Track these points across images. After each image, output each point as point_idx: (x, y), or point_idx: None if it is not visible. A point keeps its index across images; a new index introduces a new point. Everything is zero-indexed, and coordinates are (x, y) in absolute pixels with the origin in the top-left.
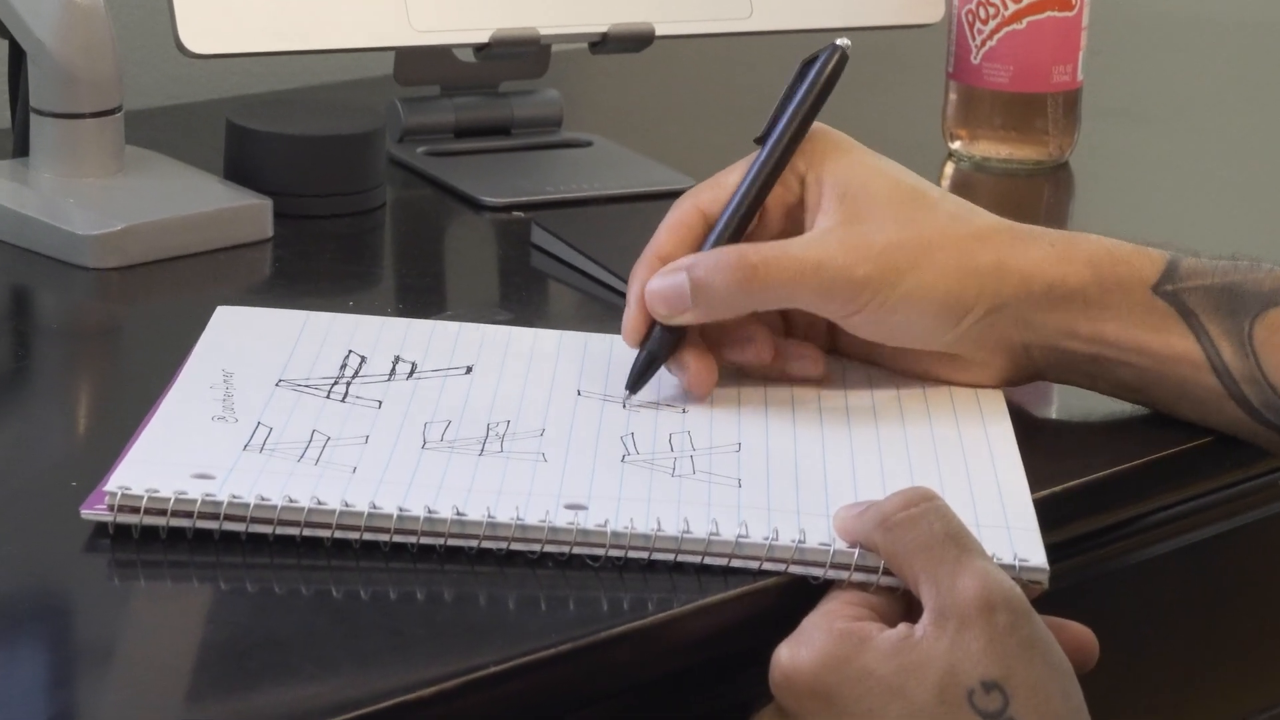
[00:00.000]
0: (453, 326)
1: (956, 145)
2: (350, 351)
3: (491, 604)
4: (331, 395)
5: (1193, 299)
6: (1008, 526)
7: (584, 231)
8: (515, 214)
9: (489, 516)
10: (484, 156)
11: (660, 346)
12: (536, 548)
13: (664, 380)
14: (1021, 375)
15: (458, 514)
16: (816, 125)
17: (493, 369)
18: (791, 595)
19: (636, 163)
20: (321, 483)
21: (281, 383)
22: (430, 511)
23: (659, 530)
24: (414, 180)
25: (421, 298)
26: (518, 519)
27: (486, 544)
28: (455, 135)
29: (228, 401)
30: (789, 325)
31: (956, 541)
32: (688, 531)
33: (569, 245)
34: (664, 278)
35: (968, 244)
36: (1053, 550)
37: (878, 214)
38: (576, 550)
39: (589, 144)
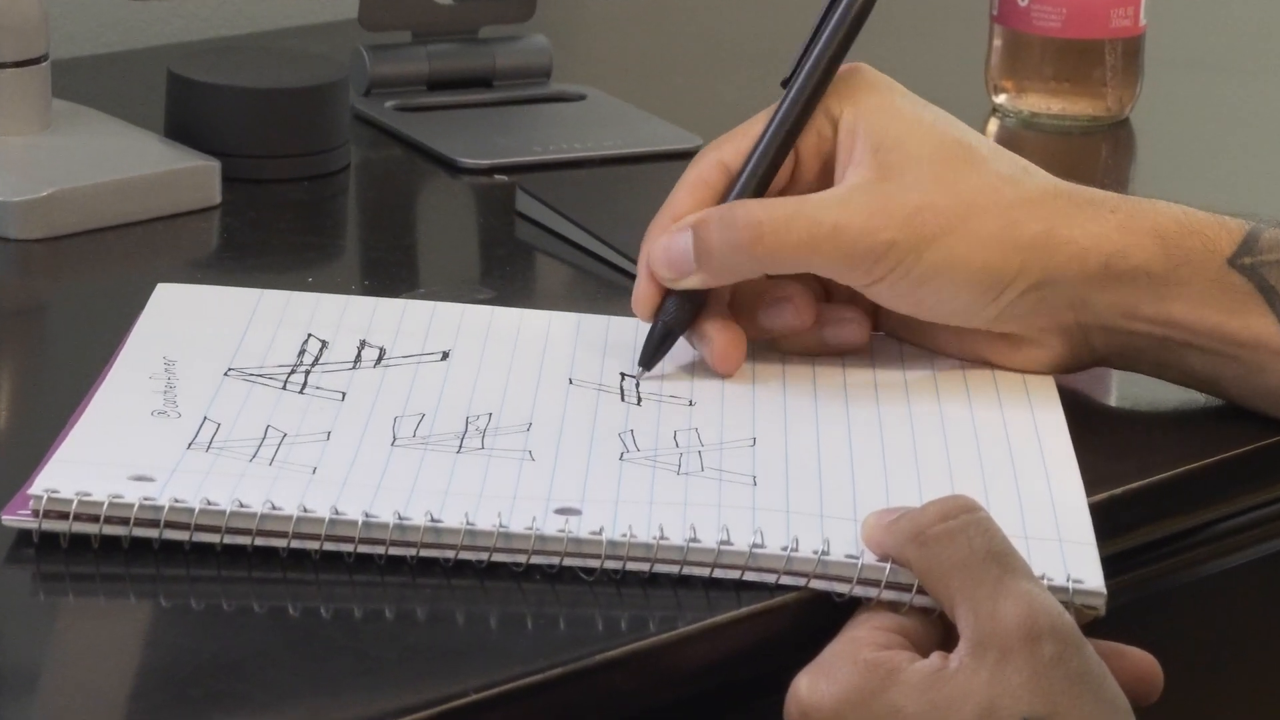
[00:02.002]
0: (427, 306)
1: (1001, 99)
2: (309, 335)
3: (470, 623)
4: (288, 386)
5: (1275, 274)
6: (1059, 539)
7: (576, 197)
8: (497, 177)
9: (468, 523)
10: (462, 112)
11: (676, 316)
12: (522, 559)
13: (669, 369)
14: (1080, 360)
15: (432, 520)
16: (854, 64)
17: (472, 355)
18: (813, 613)
19: (636, 118)
20: (277, 485)
21: (231, 372)
22: (401, 518)
23: (662, 538)
24: (382, 139)
25: (390, 273)
26: (500, 526)
27: (465, 555)
28: (429, 88)
29: (169, 393)
30: (828, 289)
31: (999, 561)
32: (695, 539)
33: (559, 213)
34: (669, 236)
35: (1014, 210)
36: (1110, 563)
37: (913, 171)
38: (568, 562)
39: (582, 97)
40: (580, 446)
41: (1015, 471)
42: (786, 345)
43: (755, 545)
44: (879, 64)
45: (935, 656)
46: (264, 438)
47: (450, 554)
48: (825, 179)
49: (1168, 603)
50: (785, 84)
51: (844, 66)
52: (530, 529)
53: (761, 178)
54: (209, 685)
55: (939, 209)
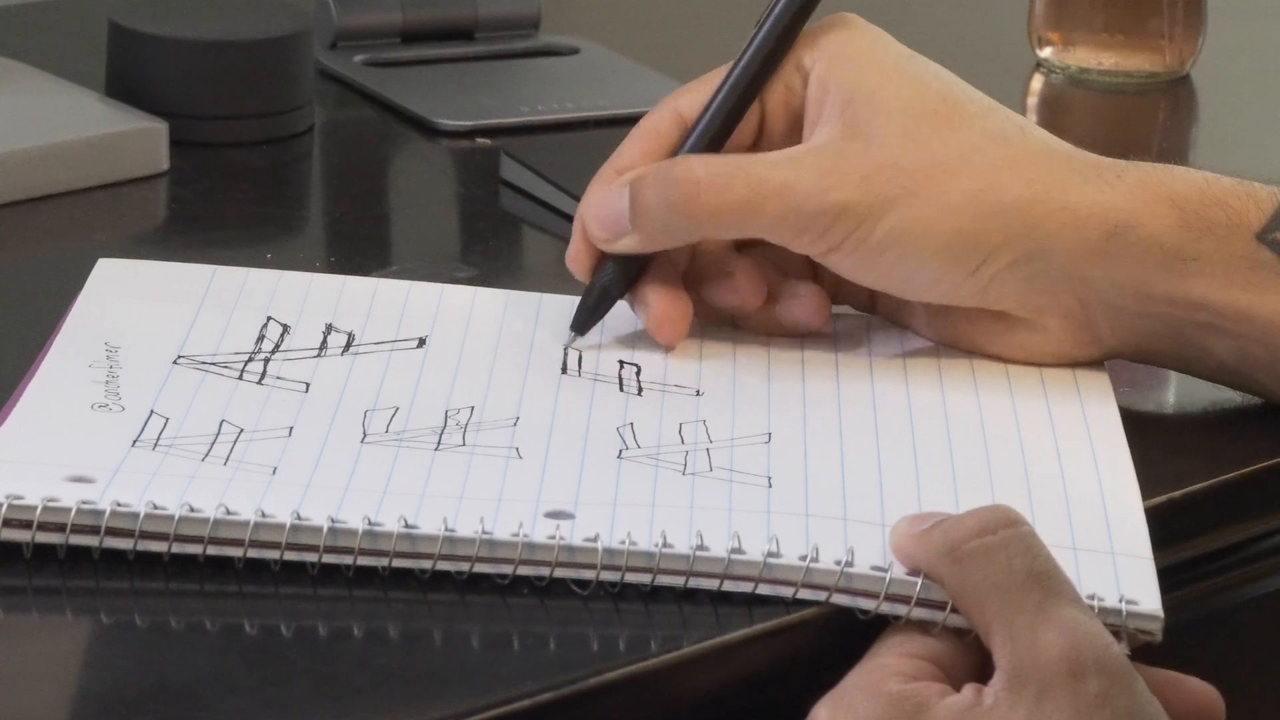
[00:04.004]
0: (401, 286)
1: (1046, 53)
2: (269, 319)
3: (449, 643)
4: (245, 375)
5: None
6: (1112, 552)
7: (567, 163)
8: (479, 141)
9: (446, 529)
10: (440, 67)
11: (614, 278)
12: (508, 569)
13: (675, 357)
14: (1084, 349)
15: (406, 526)
16: (840, 13)
17: (452, 341)
18: (835, 633)
19: (634, 75)
20: (232, 487)
21: (181, 359)
22: (371, 523)
23: (665, 546)
24: (350, 97)
25: (359, 249)
26: (483, 532)
27: (443, 565)
28: (403, 40)
29: (111, 384)
30: (783, 264)
31: (1042, 583)
32: (702, 547)
33: (548, 181)
34: (606, 193)
35: (998, 172)
36: (1167, 575)
37: (882, 127)
38: (559, 573)
39: (574, 51)
40: (574, 443)
41: (1063, 473)
42: (742, 324)
43: (770, 554)
44: (907, 11)
45: (968, 690)
46: (218, 434)
47: (427, 564)
48: (794, 138)
49: (1232, 621)
50: (759, 26)
51: (828, 15)
52: (517, 535)
53: (716, 132)
54: (155, 711)
55: (902, 168)
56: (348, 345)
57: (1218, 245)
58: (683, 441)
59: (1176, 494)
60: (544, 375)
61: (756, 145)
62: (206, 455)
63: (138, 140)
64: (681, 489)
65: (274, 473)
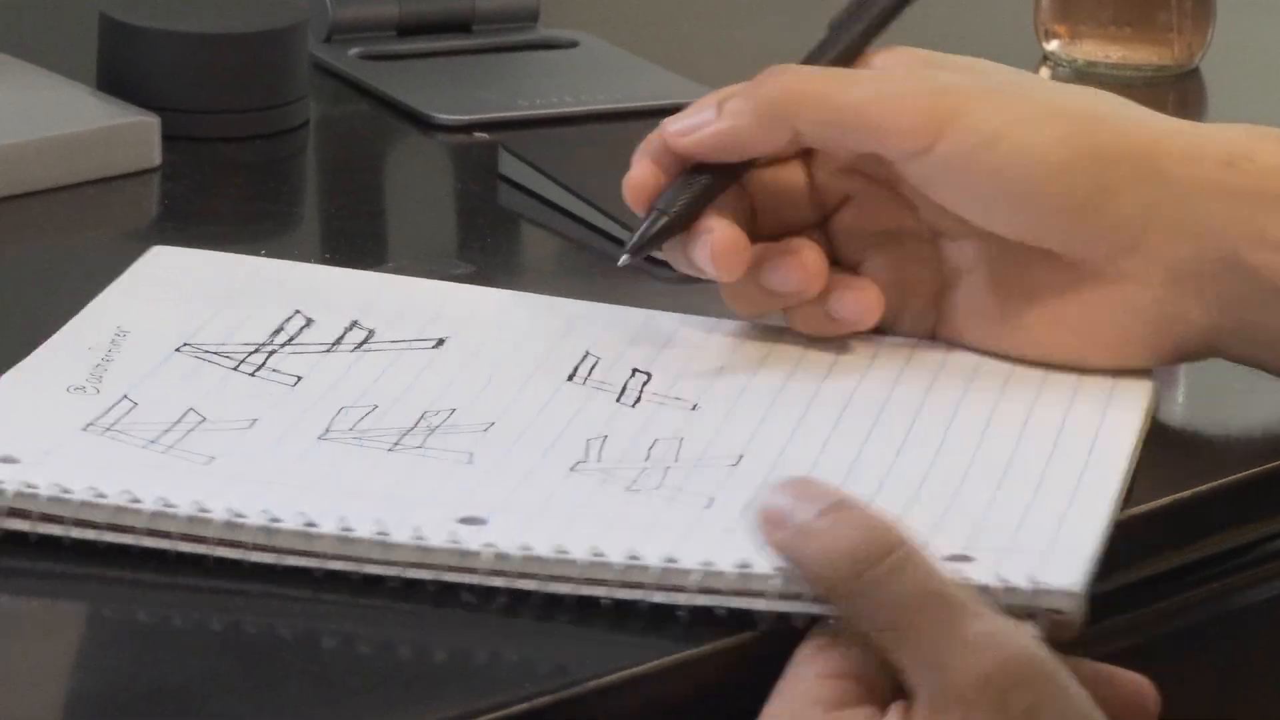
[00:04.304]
0: (442, 288)
1: (1053, 46)
2: (296, 312)
3: (441, 648)
4: (242, 367)
5: None
6: (1044, 550)
7: (567, 159)
8: (477, 136)
9: (344, 529)
10: (436, 61)
11: (678, 203)
12: (395, 572)
13: (693, 365)
14: (1180, 328)
15: (306, 524)
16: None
17: (470, 344)
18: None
19: (635, 68)
20: (151, 474)
21: (185, 347)
22: (272, 519)
23: (562, 553)
24: (345, 91)
25: (355, 245)
26: (379, 534)
27: (335, 565)
28: (399, 33)
29: (100, 367)
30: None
31: (943, 602)
32: (599, 554)
33: (547, 176)
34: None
35: (1100, 101)
36: (1176, 576)
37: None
38: (449, 578)
39: (574, 44)
40: (533, 451)
41: (1041, 482)
42: (789, 319)
43: (669, 560)
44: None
45: (894, 714)
46: (178, 422)
47: (317, 563)
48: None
49: (1242, 622)
50: (834, 26)
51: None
52: (416, 539)
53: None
54: (152, 714)
55: (1005, 78)
56: (363, 342)
57: None
58: (647, 458)
59: (1185, 494)
60: (546, 381)
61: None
62: (152, 442)
63: (129, 135)
64: (613, 504)
65: (208, 462)
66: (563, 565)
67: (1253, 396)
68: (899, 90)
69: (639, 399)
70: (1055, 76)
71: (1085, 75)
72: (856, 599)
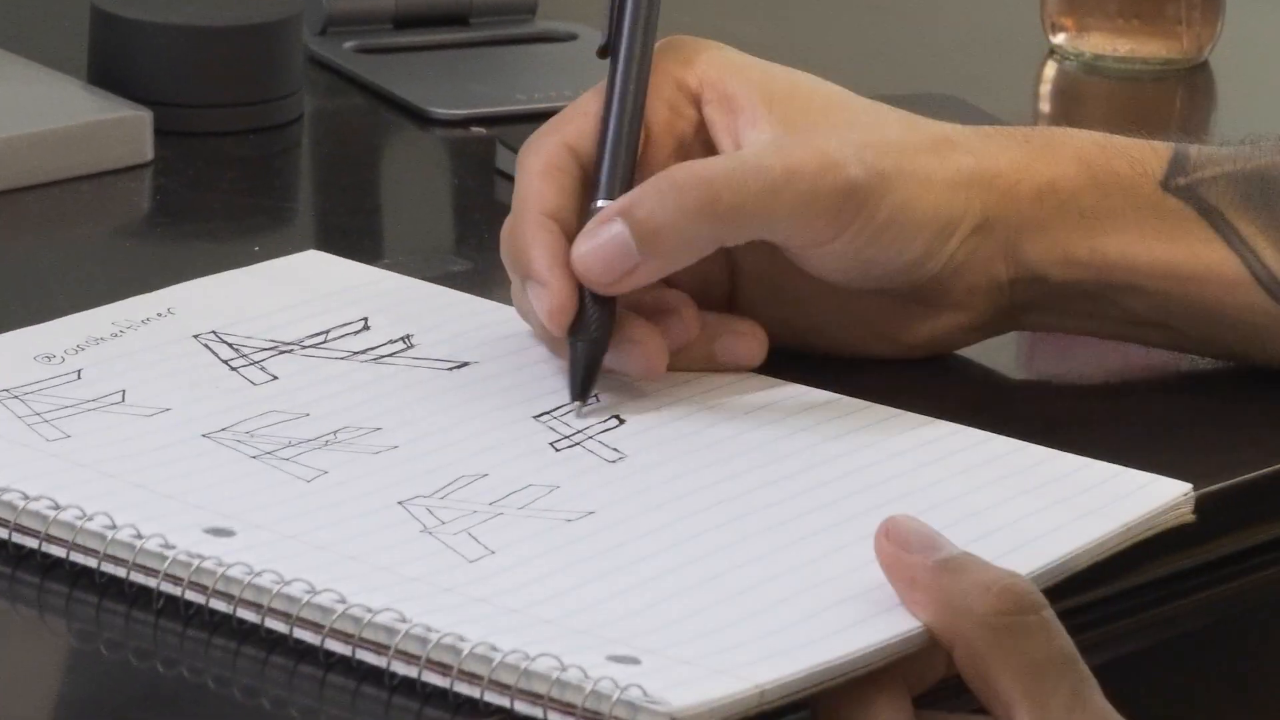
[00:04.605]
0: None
1: (1059, 39)
2: (364, 319)
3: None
4: (236, 359)
5: (1213, 192)
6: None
7: None
8: (474, 130)
9: (111, 524)
10: (433, 54)
11: (599, 328)
12: (121, 572)
13: (666, 408)
14: (994, 322)
15: (81, 516)
16: (675, 36)
17: (486, 371)
18: None
19: None
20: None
21: (201, 335)
22: (56, 506)
23: (280, 582)
24: (340, 85)
25: (350, 241)
26: (138, 535)
27: (106, 567)
28: (395, 26)
29: (91, 340)
30: (705, 298)
31: (1074, 667)
32: (311, 591)
33: None
34: (591, 237)
35: (940, 146)
36: (1193, 575)
37: (822, 118)
38: (164, 587)
39: (573, 37)
40: (376, 477)
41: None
42: (673, 363)
43: (367, 609)
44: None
45: None
46: (93, 400)
47: (92, 561)
48: (682, 156)
49: (1259, 624)
50: (605, 53)
51: (664, 39)
52: (163, 546)
53: (627, 158)
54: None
55: (885, 145)
56: (391, 354)
57: (1126, 199)
58: (490, 504)
59: (1197, 493)
60: (509, 417)
61: (641, 168)
62: (30, 415)
63: (121, 129)
64: (385, 541)
65: (58, 439)
66: (280, 600)
67: (1261, 392)
68: (813, 187)
69: (571, 442)
70: (1061, 70)
71: (1093, 69)
72: (1004, 635)
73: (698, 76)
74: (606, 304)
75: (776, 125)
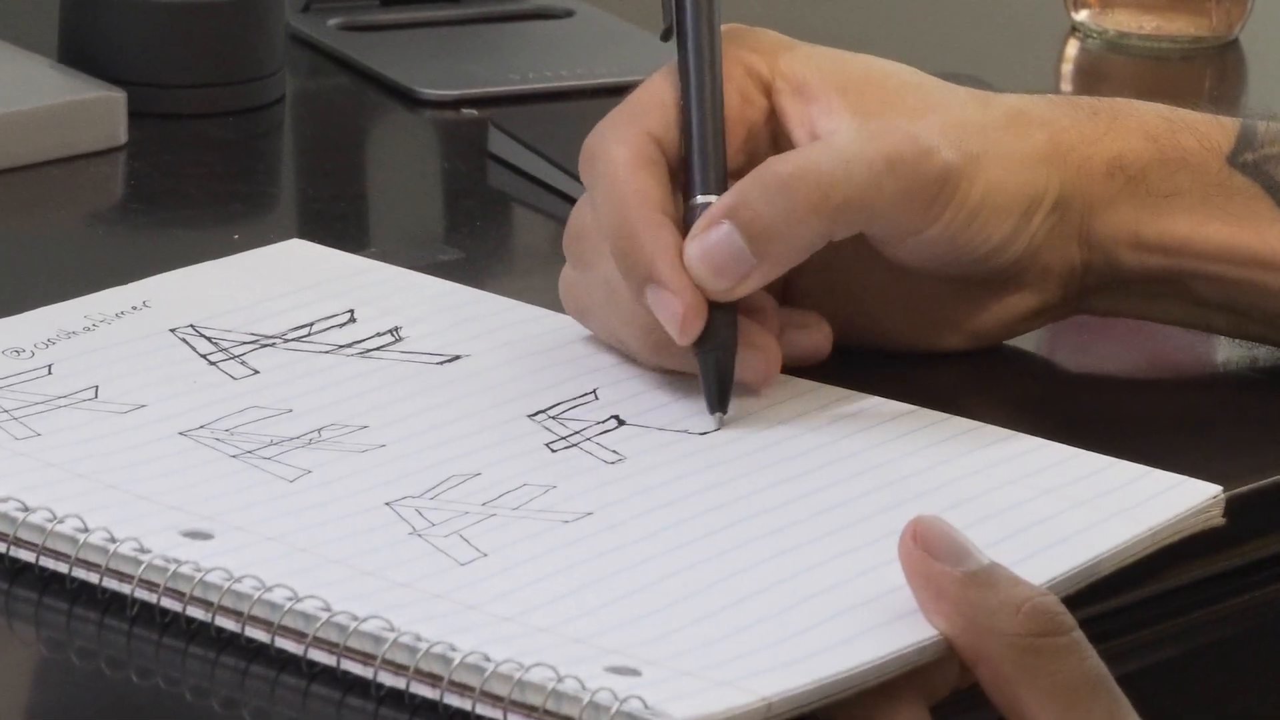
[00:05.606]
0: (536, 314)
1: (1082, 16)
2: (351, 310)
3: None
4: (215, 353)
5: None
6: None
7: (561, 136)
8: (465, 112)
9: (82, 527)
10: (422, 32)
11: (730, 335)
12: (94, 578)
13: (663, 412)
14: (1060, 307)
15: (51, 518)
16: (736, 24)
17: (479, 365)
18: None
19: (630, 40)
20: None
21: (179, 329)
22: (25, 508)
23: (261, 589)
24: (324, 64)
25: (335, 228)
26: (111, 539)
27: (78, 571)
28: (382, 2)
29: (61, 334)
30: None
31: (1109, 689)
32: (294, 599)
33: (540, 155)
34: (701, 239)
35: (1016, 121)
36: (1219, 582)
37: (897, 103)
38: (165, 601)
39: (568, 14)
40: (361, 478)
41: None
42: None
43: (353, 618)
44: None
45: None
46: (63, 396)
47: (60, 564)
48: (752, 146)
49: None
50: (668, 37)
51: (727, 26)
52: (136, 549)
53: (721, 143)
54: None
55: (967, 126)
56: (378, 348)
57: (1194, 176)
58: (483, 505)
59: (1227, 495)
60: (500, 416)
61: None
62: (7, 411)
63: (93, 111)
64: (371, 544)
65: (36, 436)
66: (261, 607)
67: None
68: (913, 172)
69: (571, 444)
70: (1084, 49)
71: (1118, 47)
72: (1036, 655)
73: (768, 64)
74: (729, 309)
75: (853, 113)
